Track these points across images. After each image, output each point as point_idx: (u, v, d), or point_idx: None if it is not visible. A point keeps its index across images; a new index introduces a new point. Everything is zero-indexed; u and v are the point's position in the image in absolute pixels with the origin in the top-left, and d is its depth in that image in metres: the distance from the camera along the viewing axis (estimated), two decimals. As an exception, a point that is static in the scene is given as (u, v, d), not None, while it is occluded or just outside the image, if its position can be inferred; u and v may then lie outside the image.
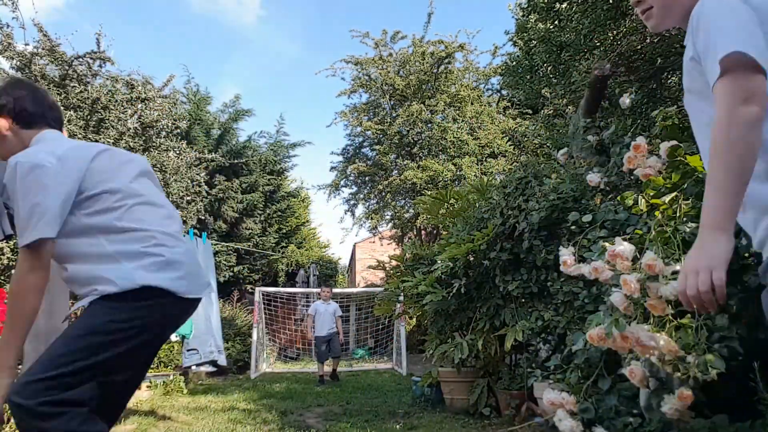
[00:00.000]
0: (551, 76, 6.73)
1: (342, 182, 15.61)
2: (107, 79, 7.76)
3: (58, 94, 6.84)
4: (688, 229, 2.33)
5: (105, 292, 1.57)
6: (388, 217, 15.26)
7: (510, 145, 13.38)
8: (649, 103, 5.55)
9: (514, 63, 7.64)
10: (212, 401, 6.50)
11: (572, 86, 6.06)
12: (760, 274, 1.20)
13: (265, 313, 12.13)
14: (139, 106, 7.50)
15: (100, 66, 7.51)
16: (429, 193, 8.23)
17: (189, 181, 8.95)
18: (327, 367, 8.88)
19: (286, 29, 57.62)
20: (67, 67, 7.08)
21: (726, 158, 1.09)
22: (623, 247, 2.21)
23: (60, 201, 1.59)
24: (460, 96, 14.24)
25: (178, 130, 9.49)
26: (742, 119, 1.08)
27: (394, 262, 6.87)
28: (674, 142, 2.61)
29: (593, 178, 3.97)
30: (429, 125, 14.10)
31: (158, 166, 7.54)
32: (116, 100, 7.13)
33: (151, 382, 7.02)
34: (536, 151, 7.94)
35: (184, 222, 8.93)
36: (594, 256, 2.65)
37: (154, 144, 7.77)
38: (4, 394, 1.50)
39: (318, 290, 15.53)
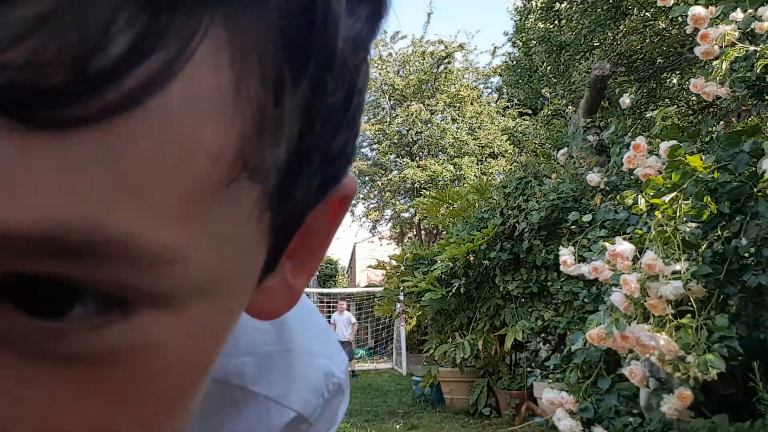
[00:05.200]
0: (551, 76, 6.74)
1: (342, 182, 15.63)
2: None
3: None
4: (688, 229, 2.33)
5: None
6: (387, 216, 15.27)
7: (510, 145, 13.39)
8: (649, 103, 5.55)
9: (514, 63, 7.65)
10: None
11: (572, 86, 6.07)
12: None
13: (265, 313, 12.14)
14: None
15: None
16: (428, 193, 8.24)
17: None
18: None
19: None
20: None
21: None
22: (623, 246, 2.21)
23: None
24: (459, 96, 14.25)
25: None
26: None
27: (394, 262, 6.88)
28: (674, 142, 2.61)
29: (593, 178, 3.97)
30: (428, 125, 14.11)
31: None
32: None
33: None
34: (536, 151, 7.96)
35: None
36: (594, 256, 2.65)
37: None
38: None
39: (317, 291, 15.57)
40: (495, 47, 14.92)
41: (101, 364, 0.15)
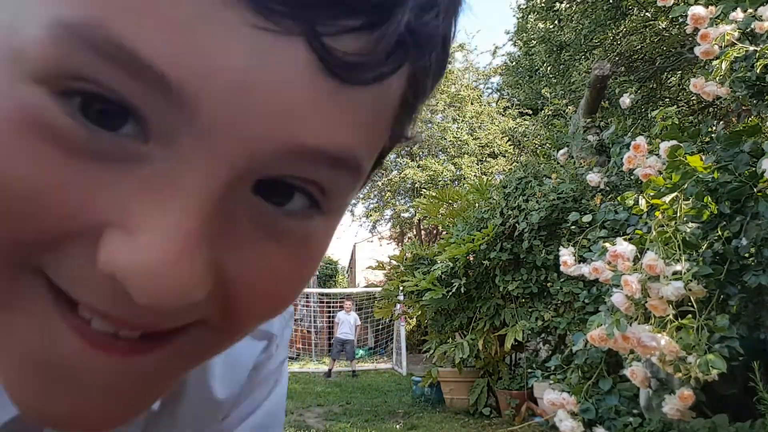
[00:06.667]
0: (551, 76, 6.74)
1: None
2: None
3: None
4: (688, 230, 2.33)
5: None
6: (387, 216, 15.27)
7: (510, 145, 13.39)
8: (649, 103, 5.55)
9: (514, 63, 7.66)
10: (212, 401, 6.48)
11: (572, 86, 6.07)
12: None
13: (265, 313, 12.12)
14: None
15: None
16: (428, 193, 8.24)
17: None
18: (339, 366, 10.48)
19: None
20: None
21: None
22: (624, 247, 2.21)
23: None
24: (460, 96, 14.25)
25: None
26: None
27: (394, 262, 6.87)
28: (674, 142, 2.61)
29: (593, 178, 3.97)
30: (429, 125, 14.11)
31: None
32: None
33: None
34: (536, 151, 7.97)
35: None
36: (594, 256, 2.65)
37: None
38: None
39: (317, 291, 15.57)
40: (495, 47, 14.93)
41: (299, 243, 0.25)
